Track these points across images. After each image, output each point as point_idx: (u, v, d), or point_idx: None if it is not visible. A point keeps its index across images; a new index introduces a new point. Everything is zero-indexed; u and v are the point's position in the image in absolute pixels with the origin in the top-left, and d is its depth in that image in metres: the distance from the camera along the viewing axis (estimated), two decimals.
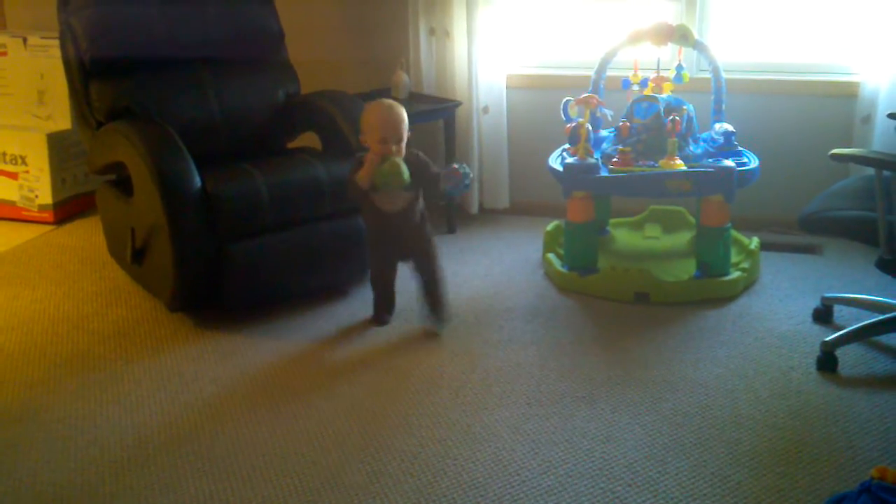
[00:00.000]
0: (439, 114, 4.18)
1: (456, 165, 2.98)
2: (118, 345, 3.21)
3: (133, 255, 3.44)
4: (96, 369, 3.04)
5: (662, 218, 4.06)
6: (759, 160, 3.47)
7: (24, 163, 4.52)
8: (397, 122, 2.98)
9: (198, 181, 3.13)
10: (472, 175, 3.01)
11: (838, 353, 2.88)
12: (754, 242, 3.63)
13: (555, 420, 2.64)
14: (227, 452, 2.52)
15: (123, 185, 3.53)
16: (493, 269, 3.80)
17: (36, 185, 4.52)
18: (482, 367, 2.95)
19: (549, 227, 3.86)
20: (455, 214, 4.24)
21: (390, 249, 3.21)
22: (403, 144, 3.01)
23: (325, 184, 3.32)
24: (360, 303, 3.44)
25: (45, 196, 4.52)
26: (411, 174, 2.99)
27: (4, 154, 4.55)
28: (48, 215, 4.54)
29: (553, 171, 3.53)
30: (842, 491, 2.17)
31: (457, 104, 4.20)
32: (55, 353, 3.16)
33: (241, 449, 2.54)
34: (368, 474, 2.38)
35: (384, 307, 3.31)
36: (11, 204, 4.58)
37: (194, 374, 2.98)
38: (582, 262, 3.54)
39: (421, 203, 3.14)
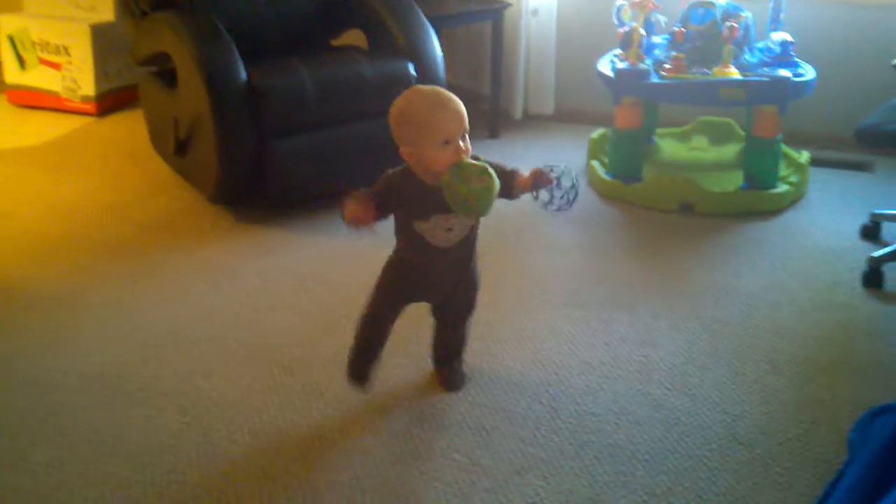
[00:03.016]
0: (487, 15, 4.09)
1: (551, 169, 2.03)
2: (160, 235, 3.23)
3: (176, 147, 3.44)
4: (139, 257, 3.07)
5: (710, 129, 3.98)
6: (816, 72, 3.37)
7: (66, 53, 4.50)
8: (459, 109, 1.97)
9: (243, 74, 3.10)
10: (576, 182, 2.04)
11: (885, 269, 2.84)
12: (804, 156, 3.56)
13: (594, 324, 2.63)
14: (269, 342, 2.55)
15: (167, 76, 3.51)
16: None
17: (79, 76, 4.51)
18: (522, 270, 2.94)
19: (595, 134, 3.81)
20: (498, 119, 4.19)
21: (416, 294, 2.21)
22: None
23: (370, 81, 3.28)
24: None
25: (88, 87, 4.52)
26: None
27: (47, 44, 4.53)
28: (91, 107, 4.54)
29: (602, 75, 3.47)
30: (884, 403, 2.15)
31: (506, 5, 4.11)
32: (99, 240, 3.19)
33: (284, 338, 2.56)
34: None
35: (369, 360, 2.25)
36: (54, 94, 4.58)
37: (237, 266, 3.00)
38: (627, 171, 3.49)
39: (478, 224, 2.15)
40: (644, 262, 3.01)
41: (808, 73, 3.34)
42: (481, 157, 1.99)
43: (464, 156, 1.93)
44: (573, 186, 2.03)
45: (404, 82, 3.30)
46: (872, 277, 2.83)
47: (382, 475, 2.02)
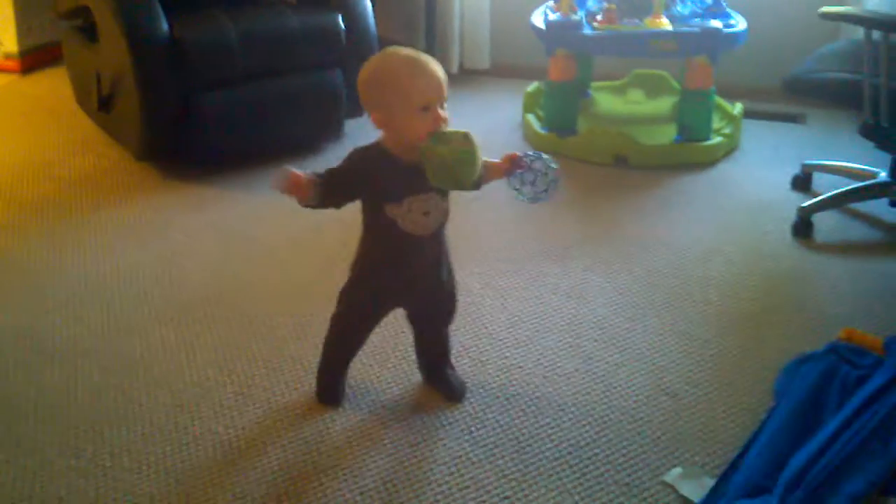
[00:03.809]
0: None
1: (526, 155, 1.88)
2: (84, 192, 3.15)
3: (100, 103, 3.34)
4: (62, 215, 2.98)
5: (645, 82, 3.97)
6: (748, 23, 3.36)
7: None
8: (440, 74, 1.78)
9: (164, 26, 3.00)
10: (556, 167, 1.86)
11: (815, 219, 2.86)
12: (737, 108, 3.56)
13: (525, 276, 2.61)
14: (193, 299, 2.49)
15: (89, 30, 3.39)
16: (470, 129, 3.68)
17: (1, 33, 4.35)
18: (452, 225, 2.86)
19: (530, 88, 3.77)
20: None
21: (392, 299, 2.01)
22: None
23: (297, 34, 3.20)
24: (333, 158, 3.33)
25: (11, 44, 4.37)
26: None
27: None
28: (14, 64, 4.39)
29: (535, 28, 3.42)
30: (809, 351, 2.17)
31: None
32: (20, 199, 3.10)
33: (210, 297, 2.51)
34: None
35: (340, 376, 2.10)
36: None
37: (163, 223, 2.93)
38: (561, 124, 3.47)
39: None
40: (577, 215, 2.99)
41: (740, 23, 3.33)
42: None
43: (442, 124, 1.75)
44: (549, 172, 1.85)
45: (332, 35, 3.24)
46: (802, 228, 2.84)
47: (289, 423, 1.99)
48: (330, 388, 2.08)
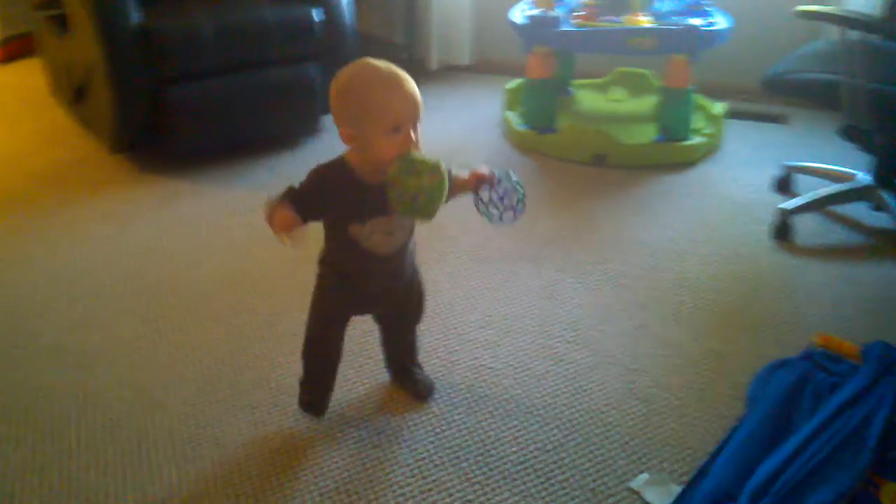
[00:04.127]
0: None
1: (491, 173, 1.78)
2: (55, 185, 3.10)
3: (74, 95, 3.29)
4: (31, 209, 2.94)
5: (628, 81, 3.93)
6: (732, 21, 3.32)
7: None
8: (415, 92, 1.67)
9: (135, 16, 2.95)
10: (522, 191, 1.78)
11: (794, 221, 2.82)
12: (718, 108, 3.52)
13: (498, 277, 2.57)
14: (161, 293, 2.45)
15: (62, 20, 3.34)
16: (449, 126, 3.67)
17: None
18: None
19: (511, 84, 3.73)
20: (414, 70, 4.06)
21: (357, 308, 1.94)
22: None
23: (271, 27, 3.14)
24: (309, 153, 3.33)
25: None
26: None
27: None
28: None
29: (513, 24, 3.38)
30: (784, 357, 2.13)
31: None
32: None
33: (177, 289, 2.46)
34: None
35: (322, 386, 2.01)
36: None
37: (134, 216, 2.89)
38: (540, 121, 3.43)
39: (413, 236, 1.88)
40: (554, 214, 2.95)
41: (721, 22, 3.29)
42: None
43: (413, 147, 1.64)
44: (517, 190, 1.77)
45: (307, 28, 3.19)
46: (781, 229, 2.81)
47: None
48: (311, 397, 2.00)
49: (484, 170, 1.78)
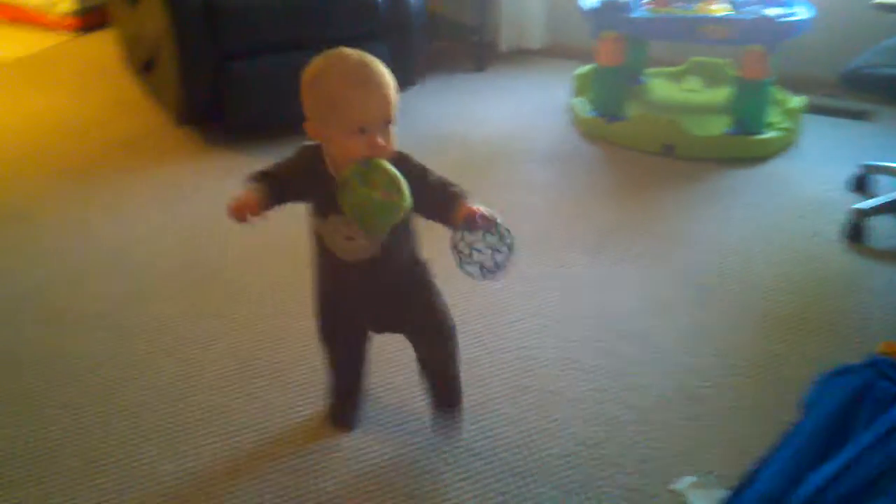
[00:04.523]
0: None
1: (492, 216, 1.56)
2: (121, 154, 3.15)
3: (143, 65, 3.33)
4: (96, 176, 2.99)
5: (704, 70, 3.81)
6: (814, 11, 3.18)
7: None
8: (386, 92, 1.50)
9: None
10: (510, 241, 1.60)
11: (869, 223, 2.70)
12: (795, 102, 3.39)
13: (555, 266, 2.51)
14: (217, 266, 2.46)
15: None
16: (518, 109, 3.61)
17: None
18: (490, 208, 2.81)
19: (580, 70, 3.65)
20: (485, 52, 4.02)
21: (355, 314, 1.76)
22: (394, 131, 1.53)
23: (336, 4, 3.13)
24: None
25: (66, 3, 4.38)
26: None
27: None
28: (71, 23, 4.41)
29: (582, 8, 3.30)
30: (846, 363, 2.04)
31: None
32: (58, 158, 3.12)
33: (233, 263, 2.47)
34: None
35: (346, 399, 1.91)
36: (34, 9, 4.45)
37: (195, 188, 2.91)
38: (608, 108, 3.34)
39: (412, 242, 1.71)
40: (617, 204, 2.88)
41: (801, 12, 3.15)
42: (413, 159, 1.57)
43: (379, 153, 1.49)
44: (508, 241, 1.58)
45: (371, 7, 3.16)
46: (853, 231, 2.69)
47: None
48: (334, 410, 1.91)
49: (483, 210, 1.55)
